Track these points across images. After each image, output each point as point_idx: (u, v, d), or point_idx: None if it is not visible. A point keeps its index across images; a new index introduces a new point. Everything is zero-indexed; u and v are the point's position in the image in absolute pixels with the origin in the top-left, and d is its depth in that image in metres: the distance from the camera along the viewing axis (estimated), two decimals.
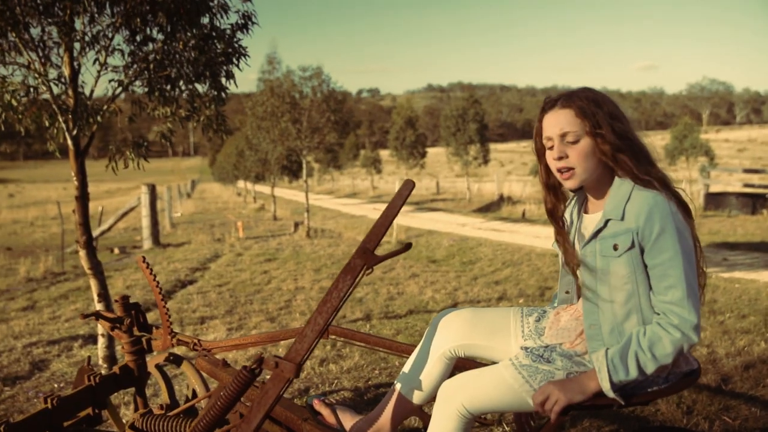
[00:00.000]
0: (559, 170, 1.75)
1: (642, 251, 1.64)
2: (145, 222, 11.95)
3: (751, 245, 9.35)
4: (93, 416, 2.32)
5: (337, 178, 53.98)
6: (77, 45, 3.76)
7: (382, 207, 1.91)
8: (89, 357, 2.47)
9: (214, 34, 3.91)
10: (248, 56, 4.02)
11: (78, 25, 3.74)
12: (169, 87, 3.94)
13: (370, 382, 3.78)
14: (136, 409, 2.56)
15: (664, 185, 1.68)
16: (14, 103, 3.60)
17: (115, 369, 2.46)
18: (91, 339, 4.95)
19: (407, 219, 16.00)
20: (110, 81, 3.86)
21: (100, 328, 3.97)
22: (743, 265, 7.56)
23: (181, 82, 3.94)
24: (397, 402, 1.98)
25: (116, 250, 11.63)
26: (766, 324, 4.77)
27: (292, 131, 12.39)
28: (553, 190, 1.88)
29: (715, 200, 15.15)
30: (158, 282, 2.44)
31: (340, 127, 12.90)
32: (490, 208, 21.32)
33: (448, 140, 26.72)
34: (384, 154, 45.93)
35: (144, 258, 2.48)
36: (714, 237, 10.43)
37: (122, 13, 3.70)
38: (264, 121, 12.62)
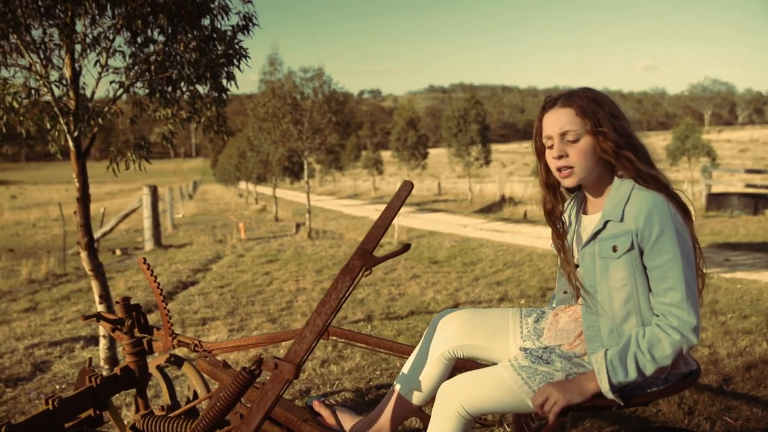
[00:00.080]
0: (558, 169, 1.75)
1: (641, 253, 1.64)
2: (147, 223, 11.96)
3: (753, 245, 9.33)
4: (94, 417, 2.32)
5: (338, 179, 53.98)
6: (78, 47, 3.77)
7: (384, 208, 1.90)
8: (90, 358, 2.48)
9: (214, 35, 3.91)
10: (249, 57, 4.02)
11: (79, 26, 3.75)
12: (170, 88, 3.94)
13: (371, 383, 3.78)
14: (137, 411, 2.56)
15: (664, 186, 1.68)
16: (16, 105, 3.60)
17: (116, 370, 2.46)
18: (93, 340, 4.96)
19: (409, 220, 16.00)
20: (111, 83, 3.86)
21: (102, 329, 3.97)
22: (745, 266, 7.54)
23: (182, 84, 3.95)
24: (397, 403, 1.98)
25: (118, 252, 11.65)
26: (767, 324, 4.76)
27: (294, 132, 12.40)
28: (552, 189, 1.87)
29: (717, 201, 15.12)
30: (159, 283, 2.44)
31: (341, 128, 12.91)
32: (491, 209, 21.31)
33: (449, 141, 26.70)
34: (385, 155, 45.93)
35: (145, 259, 2.48)
36: (716, 237, 10.41)
37: (123, 14, 3.70)
38: (265, 122, 12.62)
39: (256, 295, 6.82)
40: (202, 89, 4.03)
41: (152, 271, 2.44)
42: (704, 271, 1.76)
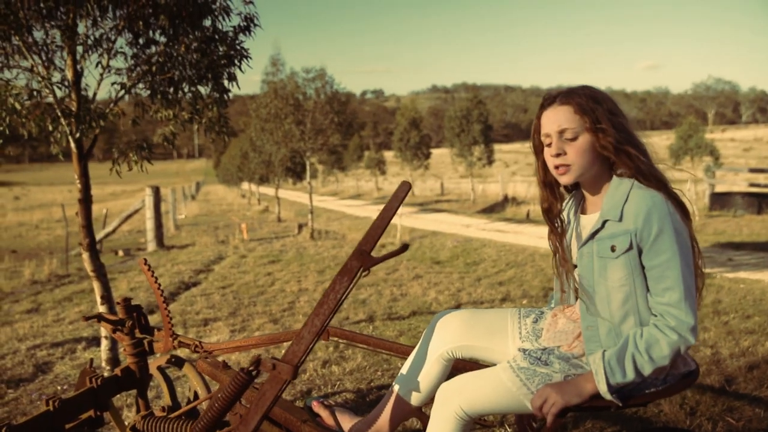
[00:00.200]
0: (556, 167, 1.75)
1: (640, 252, 1.64)
2: (149, 224, 11.97)
3: (757, 245, 9.29)
4: (95, 418, 2.32)
5: (341, 180, 53.96)
6: (80, 48, 3.78)
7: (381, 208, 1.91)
8: (92, 359, 2.48)
9: (216, 36, 3.91)
10: (250, 58, 4.03)
11: (81, 28, 3.76)
12: (171, 89, 3.95)
13: (372, 384, 3.77)
14: (137, 411, 2.57)
15: (663, 185, 1.68)
16: (18, 106, 3.61)
17: (117, 371, 2.46)
18: (95, 341, 4.97)
19: (411, 220, 15.99)
20: (113, 84, 3.87)
21: (103, 330, 3.98)
22: (748, 265, 7.50)
23: (184, 85, 3.95)
24: (396, 403, 1.98)
25: (120, 253, 11.66)
26: None
27: (296, 133, 12.40)
28: (550, 188, 1.86)
29: (720, 200, 15.03)
30: (159, 284, 2.44)
31: (343, 128, 12.90)
32: (494, 209, 21.27)
33: (452, 141, 26.71)
34: (388, 155, 45.87)
35: (145, 260, 2.48)
36: (719, 237, 10.37)
37: (125, 16, 3.71)
38: (268, 122, 12.62)
39: (258, 295, 6.82)
40: (203, 90, 4.04)
41: (153, 272, 2.44)
42: (704, 270, 1.75)
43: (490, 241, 10.97)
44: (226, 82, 4.03)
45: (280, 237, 13.55)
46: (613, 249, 1.65)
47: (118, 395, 2.93)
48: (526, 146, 1.91)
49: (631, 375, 1.60)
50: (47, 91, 3.68)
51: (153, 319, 5.34)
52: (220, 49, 3.93)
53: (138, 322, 2.55)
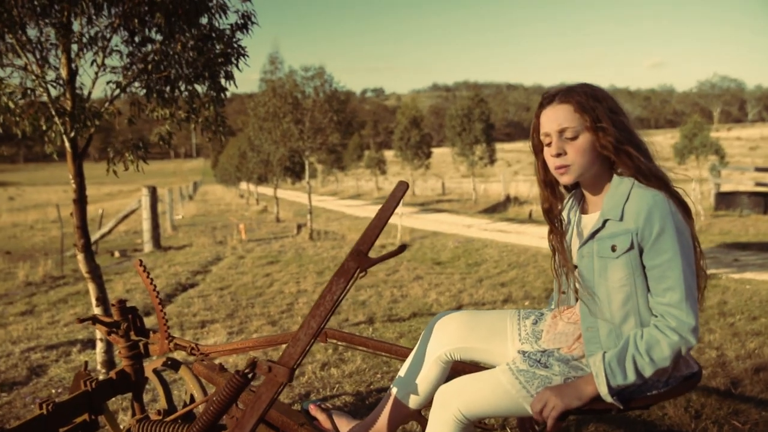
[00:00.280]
0: (556, 167, 1.73)
1: (641, 252, 1.62)
2: (146, 225, 11.89)
3: (763, 245, 9.22)
4: (89, 422, 2.30)
5: (341, 180, 53.95)
6: (75, 46, 3.73)
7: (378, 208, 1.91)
8: (86, 362, 2.46)
9: (213, 34, 3.87)
10: (248, 56, 3.99)
11: (76, 26, 3.71)
12: (168, 88, 3.90)
13: (372, 387, 3.73)
14: (133, 415, 2.55)
15: (664, 184, 1.66)
16: (11, 105, 3.57)
17: (112, 374, 2.45)
18: (90, 344, 4.92)
19: (412, 220, 15.96)
20: (108, 83, 3.82)
21: (98, 332, 3.93)
22: (755, 266, 7.43)
23: (180, 83, 3.91)
24: (393, 406, 1.96)
25: (117, 254, 11.58)
26: None
27: (295, 132, 12.34)
28: (550, 187, 1.85)
29: (726, 200, 14.96)
30: (155, 286, 2.42)
31: (343, 127, 12.85)
32: (496, 209, 21.21)
33: (453, 140, 26.61)
34: (389, 154, 45.77)
35: (141, 261, 2.46)
36: (725, 237, 10.31)
37: (120, 14, 3.67)
38: (266, 121, 12.57)
39: (256, 297, 6.77)
40: (200, 89, 3.99)
41: (148, 273, 2.43)
42: (706, 271, 1.73)
43: (492, 242, 10.93)
44: (223, 81, 3.99)
45: (278, 237, 13.50)
46: (613, 249, 1.64)
47: (113, 399, 2.91)
48: (529, 145, 1.90)
49: (632, 377, 1.59)
50: (41, 89, 3.63)
51: (149, 321, 5.29)
52: (217, 47, 3.89)
53: (133, 324, 2.53)
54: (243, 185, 40.69)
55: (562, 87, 1.76)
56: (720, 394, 3.36)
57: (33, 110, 3.65)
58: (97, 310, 3.96)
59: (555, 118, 1.71)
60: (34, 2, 3.43)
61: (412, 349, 2.14)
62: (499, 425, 3.02)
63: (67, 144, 3.76)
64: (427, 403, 1.94)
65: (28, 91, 3.63)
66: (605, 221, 1.67)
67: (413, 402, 1.95)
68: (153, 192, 11.85)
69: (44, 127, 3.66)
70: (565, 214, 1.87)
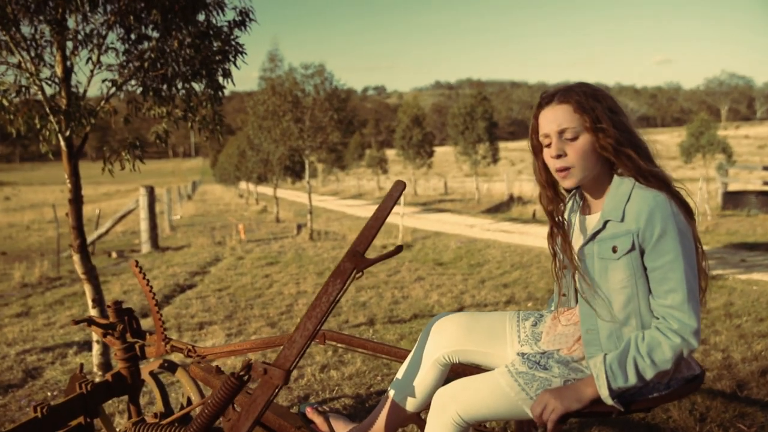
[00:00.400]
0: (558, 169, 1.71)
1: (642, 253, 1.61)
2: (144, 225, 11.81)
3: None
4: (84, 425, 2.28)
5: (342, 179, 53.97)
6: (70, 44, 3.69)
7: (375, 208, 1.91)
8: (81, 364, 2.44)
9: (210, 31, 3.83)
10: (246, 54, 3.96)
11: (71, 23, 3.67)
12: (164, 86, 3.86)
13: (371, 389, 3.68)
14: (129, 418, 2.54)
15: (665, 184, 1.64)
16: (5, 103, 3.52)
17: (108, 376, 2.45)
18: (87, 346, 4.86)
19: (413, 220, 15.92)
20: (104, 81, 3.78)
21: (95, 334, 3.89)
22: (762, 267, 7.35)
23: (177, 81, 3.86)
24: (391, 410, 1.94)
25: (114, 254, 11.51)
26: None
27: (295, 131, 12.28)
28: (552, 188, 1.83)
29: (733, 199, 14.86)
30: (151, 287, 2.41)
31: (343, 126, 12.78)
32: (499, 209, 21.14)
33: (456, 139, 26.55)
34: (390, 153, 45.71)
35: (137, 262, 2.45)
36: (732, 237, 10.23)
37: (116, 10, 3.63)
38: (265, 120, 12.51)
39: (256, 298, 6.72)
40: (197, 87, 3.95)
41: (144, 274, 2.42)
42: (707, 272, 1.72)
43: (495, 242, 10.87)
44: (220, 79, 3.95)
45: (278, 238, 13.45)
46: (614, 250, 1.62)
47: (109, 401, 2.87)
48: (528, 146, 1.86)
49: (633, 379, 1.58)
50: (36, 87, 3.58)
51: (146, 323, 5.25)
52: (215, 44, 3.85)
53: (129, 326, 2.52)
54: (242, 185, 40.70)
55: (560, 87, 1.74)
56: (725, 397, 3.31)
57: (27, 108, 3.60)
58: (93, 312, 3.91)
59: (554, 119, 1.69)
60: None
61: (410, 351, 2.12)
62: (501, 428, 2.97)
63: (62, 143, 3.71)
64: (426, 406, 1.92)
65: (23, 89, 3.59)
66: (606, 222, 1.66)
67: (411, 405, 1.93)
68: (151, 192, 11.78)
69: (38, 126, 3.62)
70: (565, 215, 1.85)
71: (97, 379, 2.61)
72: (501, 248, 9.96)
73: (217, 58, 3.85)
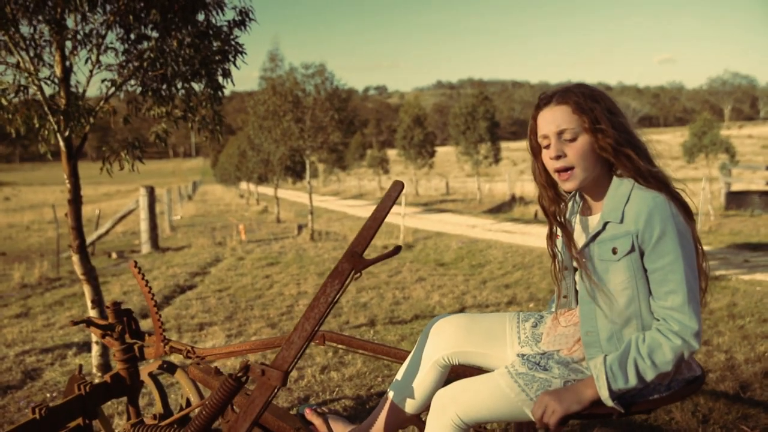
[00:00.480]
0: (558, 171, 1.70)
1: (642, 255, 1.61)
2: (144, 225, 11.79)
3: None
4: (83, 427, 2.26)
5: (343, 179, 53.92)
6: (69, 43, 3.68)
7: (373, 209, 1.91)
8: (81, 365, 2.42)
9: (209, 31, 3.82)
10: (246, 54, 3.94)
11: (70, 23, 3.66)
12: (164, 86, 3.84)
13: (372, 390, 3.66)
14: (128, 419, 2.52)
15: (665, 185, 1.64)
16: (4, 102, 3.51)
17: (107, 378, 2.43)
18: (86, 347, 4.85)
19: (415, 221, 15.90)
20: (103, 80, 3.76)
21: (94, 335, 3.88)
22: (766, 267, 7.30)
23: (177, 81, 3.85)
24: (390, 411, 1.93)
25: (114, 255, 11.49)
26: None
27: (295, 131, 12.25)
28: (553, 188, 1.82)
29: (736, 199, 14.81)
30: (150, 288, 2.39)
31: (344, 125, 12.76)
32: (501, 209, 21.11)
33: (457, 139, 26.52)
34: (391, 153, 45.68)
35: (136, 263, 2.43)
36: (735, 237, 10.21)
37: (115, 10, 3.61)
38: (266, 120, 12.49)
39: (256, 299, 6.71)
40: (197, 87, 3.94)
41: (143, 275, 2.40)
42: (708, 272, 1.71)
43: (497, 242, 10.85)
44: (220, 79, 3.94)
45: (279, 238, 13.43)
46: (614, 251, 1.62)
47: (108, 402, 2.85)
48: (527, 147, 1.85)
49: (633, 381, 1.57)
50: (35, 87, 3.57)
51: (146, 324, 5.23)
52: (214, 44, 3.84)
53: (128, 327, 2.50)
54: (243, 185, 40.68)
55: (558, 88, 1.74)
56: (728, 398, 3.30)
57: (26, 108, 3.59)
58: (92, 313, 3.90)
59: (553, 120, 1.68)
60: None
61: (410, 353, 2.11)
62: (501, 430, 2.95)
63: (61, 143, 3.70)
64: (425, 408, 1.91)
65: (22, 89, 3.57)
66: (606, 224, 1.65)
67: (410, 406, 1.92)
68: (151, 192, 11.77)
69: (37, 125, 3.61)
70: (566, 216, 1.84)
71: (96, 381, 2.60)
72: (503, 249, 9.94)
73: (216, 57, 3.84)
